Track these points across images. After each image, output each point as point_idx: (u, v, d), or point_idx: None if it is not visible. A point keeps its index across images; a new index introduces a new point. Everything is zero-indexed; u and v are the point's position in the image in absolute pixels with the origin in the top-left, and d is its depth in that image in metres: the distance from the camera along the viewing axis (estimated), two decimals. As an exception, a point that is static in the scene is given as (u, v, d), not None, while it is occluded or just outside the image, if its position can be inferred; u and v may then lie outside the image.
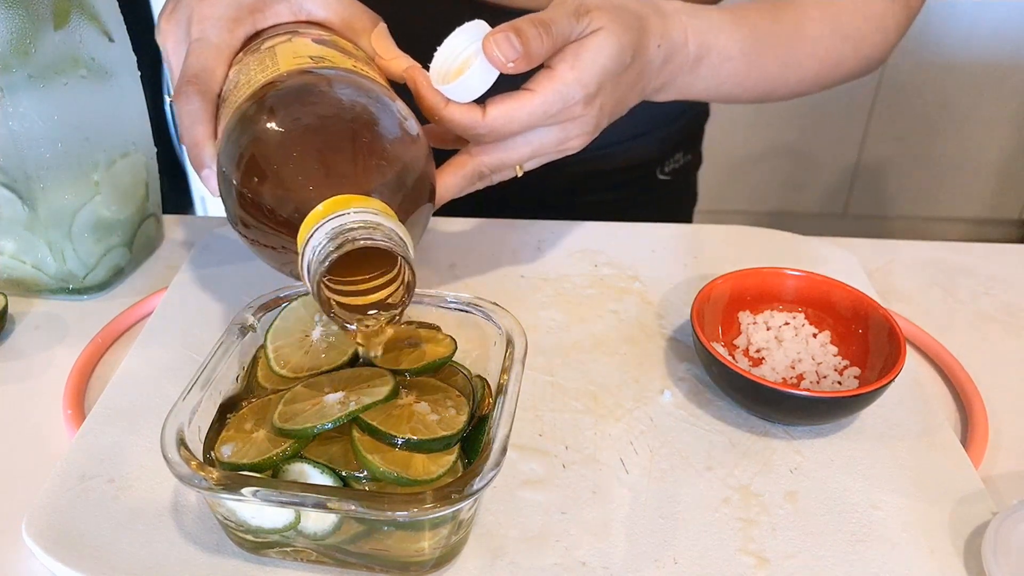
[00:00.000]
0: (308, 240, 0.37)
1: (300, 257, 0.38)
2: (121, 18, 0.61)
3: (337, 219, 0.37)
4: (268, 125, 0.41)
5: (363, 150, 0.40)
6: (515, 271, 0.66)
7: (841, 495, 0.47)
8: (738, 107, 1.99)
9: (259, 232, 0.41)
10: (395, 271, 0.39)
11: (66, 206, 0.59)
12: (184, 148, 0.46)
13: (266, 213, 0.40)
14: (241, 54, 0.48)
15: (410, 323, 0.50)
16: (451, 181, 0.52)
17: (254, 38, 0.48)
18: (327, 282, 0.38)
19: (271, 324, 0.49)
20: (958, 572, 0.43)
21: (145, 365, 0.55)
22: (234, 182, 0.41)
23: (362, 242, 0.36)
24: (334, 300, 0.39)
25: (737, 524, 0.45)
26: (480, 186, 0.55)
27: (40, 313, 0.62)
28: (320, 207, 0.38)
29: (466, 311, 0.49)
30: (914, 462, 0.50)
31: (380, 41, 0.50)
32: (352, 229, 0.36)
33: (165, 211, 0.71)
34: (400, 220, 0.39)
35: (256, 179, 0.40)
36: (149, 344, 0.57)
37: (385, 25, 0.51)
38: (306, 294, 0.50)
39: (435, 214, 0.71)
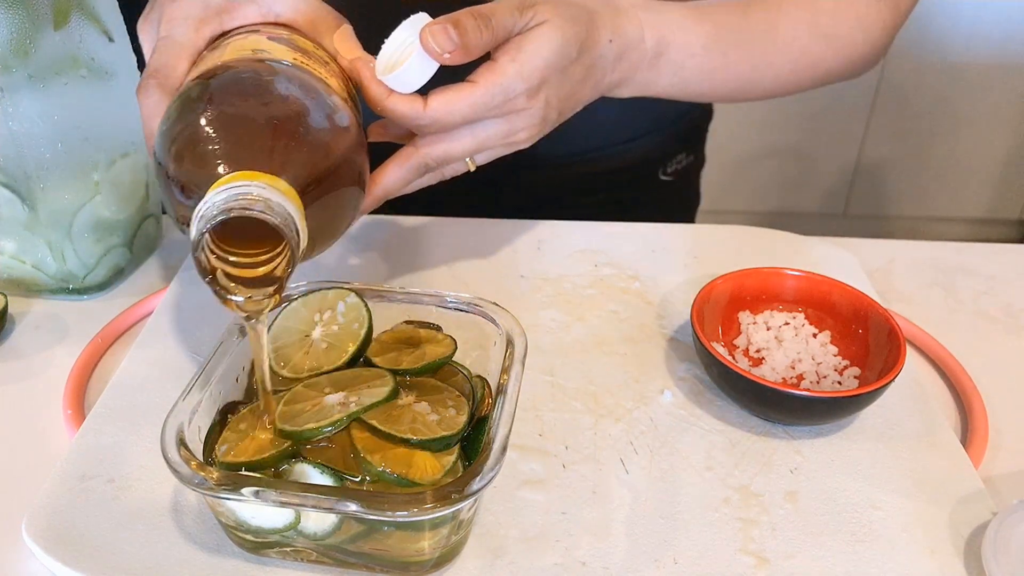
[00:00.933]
0: (197, 210, 0.37)
1: (190, 225, 0.38)
2: (121, 18, 0.61)
3: (223, 192, 0.37)
4: (187, 109, 0.42)
5: (271, 132, 0.40)
6: (515, 271, 0.66)
7: (841, 495, 0.47)
8: (738, 107, 1.99)
9: (177, 210, 0.41)
10: (280, 249, 0.39)
11: (66, 206, 0.59)
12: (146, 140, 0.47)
13: (179, 192, 0.40)
14: (205, 52, 0.48)
15: (410, 323, 0.50)
16: (396, 173, 0.52)
17: (220, 38, 0.49)
18: (219, 252, 0.38)
19: (271, 324, 0.49)
20: (958, 572, 0.43)
21: (145, 365, 0.55)
22: (159, 162, 0.42)
23: (240, 212, 0.36)
24: (221, 269, 0.39)
25: (737, 524, 0.45)
26: (430, 180, 0.55)
27: (40, 313, 0.62)
28: (220, 181, 0.38)
29: (466, 311, 0.49)
30: (914, 462, 0.50)
31: (342, 41, 0.50)
32: (233, 200, 0.36)
33: (164, 211, 0.71)
34: (310, 200, 0.40)
35: (171, 159, 0.41)
36: (149, 344, 0.57)
37: (349, 26, 0.52)
38: (306, 294, 0.50)
39: (434, 214, 0.72)
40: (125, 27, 0.61)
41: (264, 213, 0.36)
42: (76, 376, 0.56)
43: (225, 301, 0.39)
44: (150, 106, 0.46)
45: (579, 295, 0.64)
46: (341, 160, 0.43)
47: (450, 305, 0.50)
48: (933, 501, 0.47)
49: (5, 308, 0.60)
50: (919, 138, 2.12)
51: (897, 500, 0.47)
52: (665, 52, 0.57)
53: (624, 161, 0.83)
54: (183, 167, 0.40)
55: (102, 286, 0.64)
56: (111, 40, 0.60)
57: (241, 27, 0.49)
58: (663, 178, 0.86)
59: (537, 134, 0.54)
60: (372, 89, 0.49)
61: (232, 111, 0.41)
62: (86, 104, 0.58)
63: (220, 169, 0.39)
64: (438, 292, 0.50)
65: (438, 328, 0.50)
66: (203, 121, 0.41)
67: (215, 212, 0.36)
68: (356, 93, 0.49)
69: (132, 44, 0.62)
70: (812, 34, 0.63)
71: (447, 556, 0.42)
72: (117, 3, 0.60)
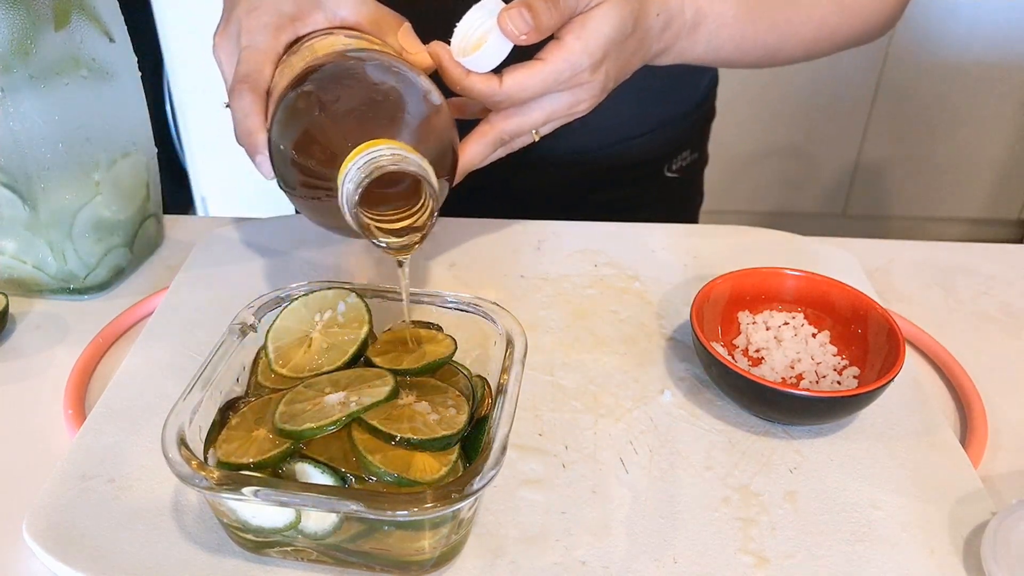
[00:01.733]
0: (344, 175, 0.42)
1: (339, 193, 0.42)
2: (122, 18, 0.61)
3: (368, 154, 0.41)
4: (308, 97, 0.46)
5: (391, 112, 0.46)
6: (515, 271, 0.66)
7: (841, 495, 0.47)
8: (739, 107, 1.99)
9: (310, 190, 0.46)
10: (420, 203, 0.45)
11: (67, 206, 0.60)
12: (238, 140, 0.51)
13: (312, 170, 0.45)
14: (284, 56, 0.53)
15: (410, 323, 0.50)
16: (476, 149, 0.57)
17: (294, 43, 0.54)
18: (365, 214, 0.43)
19: (271, 324, 0.49)
20: (958, 572, 0.43)
21: (145, 365, 0.55)
22: (281, 148, 0.47)
23: (390, 167, 0.41)
24: (372, 225, 0.44)
25: (737, 524, 0.46)
26: (502, 153, 0.59)
27: (41, 313, 0.62)
28: (356, 150, 0.42)
29: (466, 311, 0.49)
30: (914, 462, 0.50)
31: (406, 38, 0.55)
32: (382, 157, 0.41)
33: (165, 211, 0.71)
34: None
35: (302, 141, 0.46)
36: (149, 344, 0.57)
37: (410, 24, 0.56)
38: (306, 294, 0.50)
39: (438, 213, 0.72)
40: (126, 27, 0.61)
41: (408, 166, 0.41)
42: (77, 376, 0.56)
43: (381, 248, 0.45)
44: (244, 108, 0.50)
45: (579, 295, 0.64)
46: (442, 130, 0.48)
47: (450, 305, 0.50)
48: (932, 501, 0.47)
49: (6, 308, 0.60)
50: (919, 138, 2.12)
51: (897, 500, 0.47)
52: (702, 22, 0.62)
53: (631, 158, 0.83)
54: (313, 148, 0.45)
55: (103, 286, 0.65)
56: (112, 40, 0.60)
57: (312, 32, 0.54)
58: (668, 175, 0.87)
59: (595, 103, 0.58)
60: (452, 70, 0.53)
61: (348, 94, 0.46)
62: (87, 104, 0.58)
63: (350, 143, 0.43)
64: (438, 292, 0.50)
65: (438, 328, 0.50)
66: (324, 106, 0.46)
67: (364, 175, 0.41)
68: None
69: (133, 44, 0.62)
70: (831, 4, 0.67)
71: (447, 555, 0.42)
72: (118, 3, 0.60)
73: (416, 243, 0.45)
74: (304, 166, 0.46)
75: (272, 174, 0.50)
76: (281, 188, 0.49)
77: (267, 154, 0.49)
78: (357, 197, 0.41)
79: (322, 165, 0.44)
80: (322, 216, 0.48)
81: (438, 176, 0.46)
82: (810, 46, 0.68)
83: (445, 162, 0.49)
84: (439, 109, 0.48)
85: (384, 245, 0.45)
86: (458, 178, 0.56)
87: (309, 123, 0.46)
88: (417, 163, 0.42)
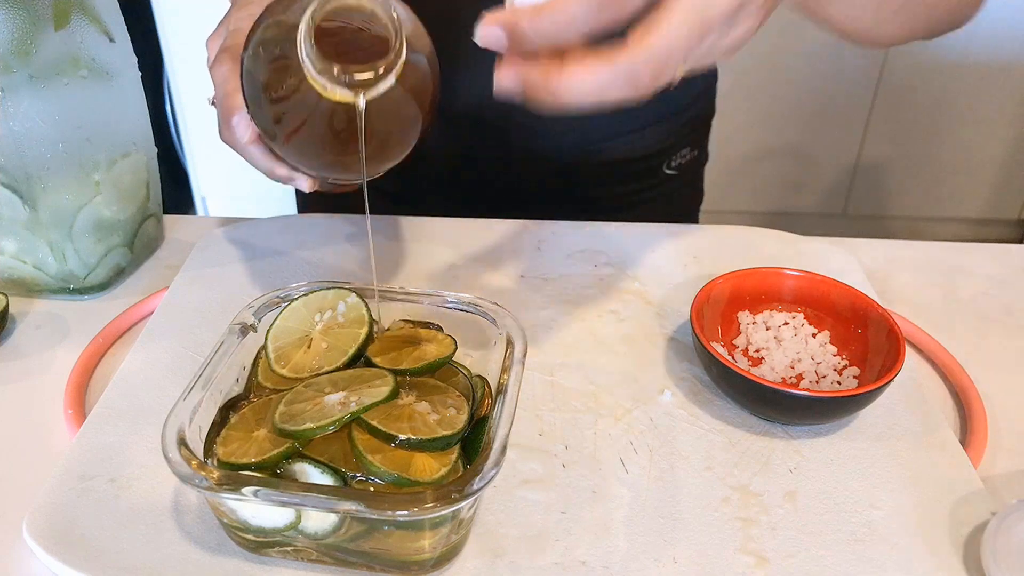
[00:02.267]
0: (300, 29, 0.41)
1: (299, 47, 0.42)
2: (122, 18, 0.61)
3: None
4: (267, 26, 0.45)
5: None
6: (515, 271, 0.66)
7: (841, 495, 0.47)
8: (740, 106, 1.99)
9: (281, 104, 0.45)
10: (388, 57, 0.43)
11: (67, 206, 0.60)
12: (218, 107, 0.50)
13: (278, 82, 0.44)
14: None
15: (410, 323, 0.51)
16: (598, 73, 0.37)
17: None
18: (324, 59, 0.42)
19: (271, 324, 0.49)
20: (957, 571, 0.43)
21: (146, 365, 0.55)
22: (250, 84, 0.46)
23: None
24: (333, 64, 0.42)
25: (737, 524, 0.46)
26: (626, 90, 0.38)
27: (41, 313, 0.62)
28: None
29: (466, 311, 0.49)
30: (914, 462, 0.50)
31: None
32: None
33: (165, 211, 0.71)
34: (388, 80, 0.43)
35: (264, 58, 0.45)
36: (150, 344, 0.57)
37: None
38: (306, 294, 0.50)
39: (436, 214, 0.72)
40: (126, 27, 0.61)
41: None
42: (77, 376, 0.56)
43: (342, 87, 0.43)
44: (223, 73, 0.50)
45: (579, 295, 0.64)
46: (417, 50, 0.45)
47: (450, 305, 0.50)
48: (933, 501, 0.47)
49: (6, 308, 0.60)
50: (919, 138, 2.12)
51: (897, 499, 0.47)
52: None
53: (630, 153, 0.83)
54: (274, 50, 0.44)
55: (103, 286, 0.65)
56: (112, 41, 0.60)
57: None
58: (667, 172, 0.86)
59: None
60: (521, 20, 0.37)
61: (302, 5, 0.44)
62: (87, 104, 0.58)
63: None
64: (438, 292, 0.50)
65: (438, 328, 0.50)
66: (282, 23, 0.44)
67: (312, 9, 0.40)
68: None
69: (133, 44, 0.62)
70: None
71: (447, 555, 0.42)
72: (118, 3, 0.60)
73: (381, 74, 0.43)
74: (270, 83, 0.44)
75: (249, 134, 0.48)
76: (265, 140, 0.47)
77: (244, 112, 0.48)
78: (310, 26, 0.41)
79: (285, 66, 0.43)
80: (310, 151, 0.47)
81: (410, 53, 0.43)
82: (935, 7, 0.59)
83: (421, 87, 0.46)
84: (404, 23, 0.44)
85: (345, 79, 0.42)
86: (555, 104, 0.38)
87: (269, 41, 0.44)
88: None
